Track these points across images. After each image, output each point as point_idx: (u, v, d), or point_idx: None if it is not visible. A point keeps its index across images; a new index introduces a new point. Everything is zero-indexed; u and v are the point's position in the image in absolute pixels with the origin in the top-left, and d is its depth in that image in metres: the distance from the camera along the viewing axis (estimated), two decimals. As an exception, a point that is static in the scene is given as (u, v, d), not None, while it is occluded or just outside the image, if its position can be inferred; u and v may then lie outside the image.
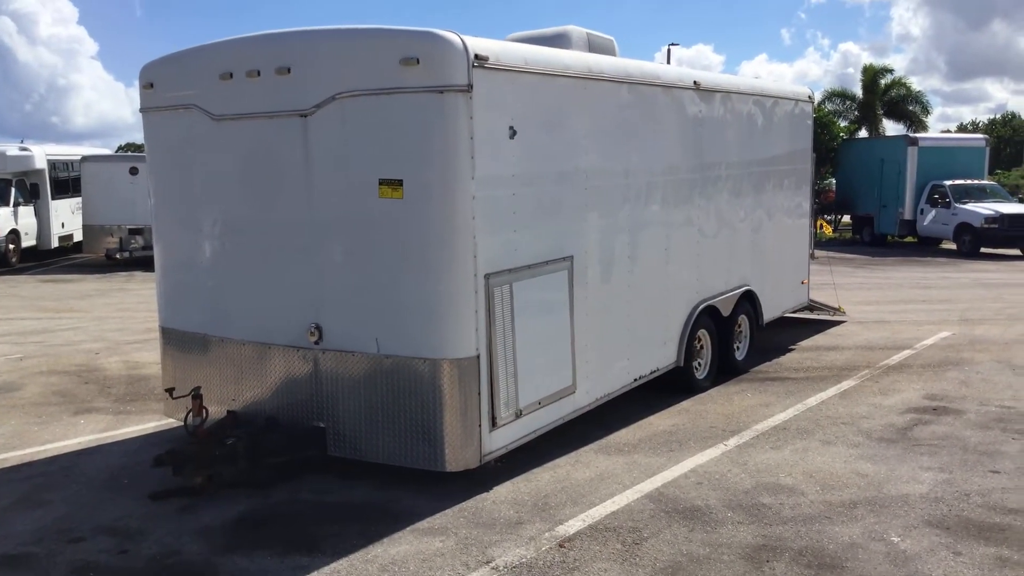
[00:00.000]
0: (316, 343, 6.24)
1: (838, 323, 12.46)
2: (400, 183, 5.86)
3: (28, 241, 22.67)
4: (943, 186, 24.06)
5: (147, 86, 7.01)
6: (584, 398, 7.13)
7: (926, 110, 36.03)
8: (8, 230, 21.51)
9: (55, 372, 9.98)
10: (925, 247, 24.93)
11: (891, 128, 35.87)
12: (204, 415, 6.39)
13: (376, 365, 6.04)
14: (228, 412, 6.65)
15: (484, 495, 6.04)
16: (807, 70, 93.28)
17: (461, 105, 5.75)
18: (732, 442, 7.21)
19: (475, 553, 5.18)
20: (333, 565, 5.05)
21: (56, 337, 12.22)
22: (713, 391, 8.86)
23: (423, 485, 6.14)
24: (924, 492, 6.08)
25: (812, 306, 12.31)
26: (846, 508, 5.82)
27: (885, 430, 7.51)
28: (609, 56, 7.92)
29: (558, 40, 7.64)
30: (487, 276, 6.01)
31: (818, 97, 34.06)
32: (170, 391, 6.74)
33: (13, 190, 22.08)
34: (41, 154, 23.24)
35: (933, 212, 24.22)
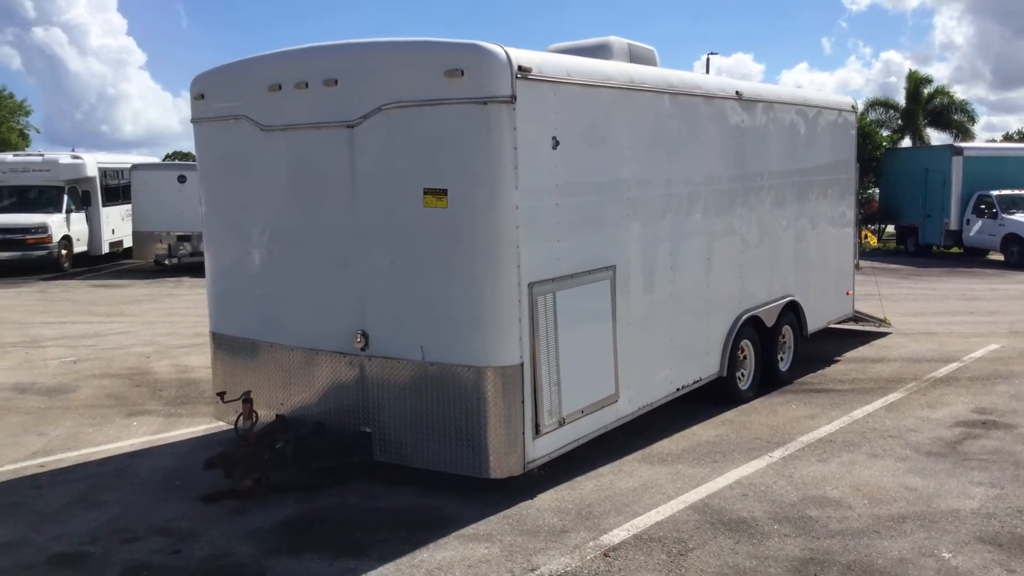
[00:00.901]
0: (362, 350, 6.34)
1: (884, 335, 12.30)
2: (444, 193, 5.93)
3: (80, 247, 23.21)
4: (989, 196, 23.63)
5: (198, 97, 7.17)
6: (627, 407, 7.13)
7: (971, 119, 35.48)
8: (61, 236, 22.05)
9: (108, 375, 10.22)
10: (971, 258, 24.47)
11: (935, 138, 35.36)
12: (254, 419, 6.51)
13: (421, 372, 6.11)
14: (277, 416, 6.77)
15: (528, 502, 6.08)
16: (848, 79, 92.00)
17: (505, 116, 5.82)
18: (777, 454, 7.16)
19: (520, 560, 5.22)
20: (380, 569, 5.12)
21: (108, 341, 12.51)
22: (756, 402, 8.81)
23: (468, 492, 6.19)
24: (975, 507, 5.99)
25: (857, 317, 12.16)
26: (895, 522, 5.75)
27: (933, 444, 7.41)
28: (650, 66, 7.95)
29: (600, 51, 7.68)
30: (531, 285, 6.06)
31: (860, 106, 33.67)
32: (221, 395, 6.87)
33: (66, 197, 22.64)
34: (92, 162, 23.82)
35: (979, 222, 23.80)
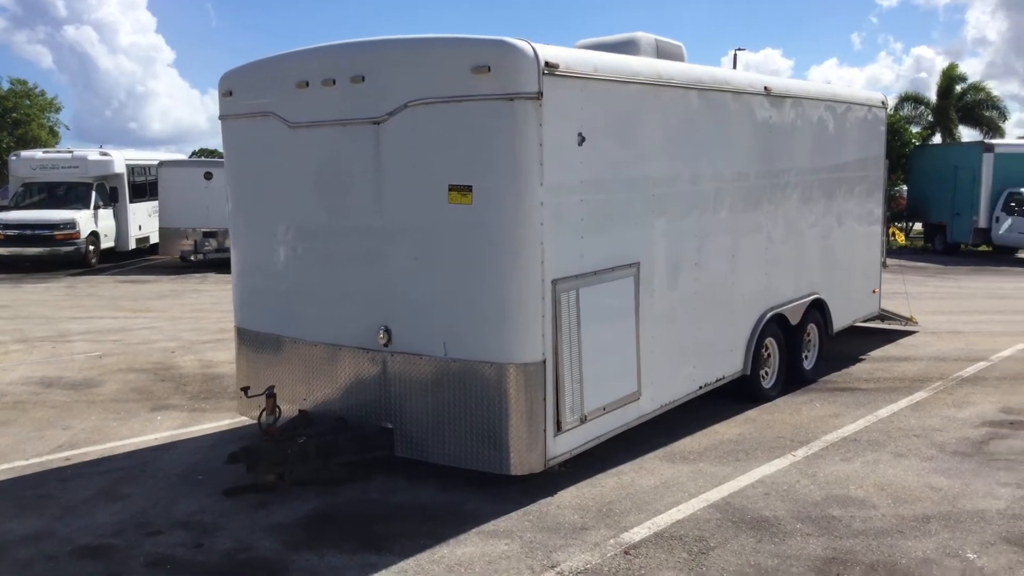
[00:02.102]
0: (385, 345, 6.35)
1: (910, 333, 12.17)
2: (469, 189, 5.93)
3: (107, 243, 23.49)
4: (1020, 193, 23.31)
5: (226, 94, 7.22)
6: (649, 404, 7.10)
7: (1003, 115, 35.00)
8: (88, 232, 22.31)
9: (133, 370, 10.33)
10: (1000, 256, 24.17)
11: (966, 134, 34.92)
12: (277, 414, 6.55)
13: (444, 368, 6.12)
14: (299, 411, 6.81)
15: (549, 499, 6.07)
16: (879, 75, 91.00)
17: (531, 112, 5.80)
18: (800, 453, 7.10)
19: (540, 557, 5.22)
20: (401, 564, 5.13)
21: (133, 336, 12.64)
22: (780, 401, 8.74)
23: (488, 488, 6.19)
24: (1002, 508, 5.91)
25: (883, 316, 12.04)
26: (919, 522, 5.69)
27: (959, 443, 7.32)
28: (678, 62, 7.90)
29: (627, 47, 7.64)
30: (554, 282, 6.05)
31: (891, 102, 33.33)
32: (245, 390, 6.92)
33: (94, 193, 22.93)
34: (120, 159, 24.09)
35: (1009, 220, 23.49)
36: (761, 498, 6.13)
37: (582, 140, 6.22)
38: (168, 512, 5.98)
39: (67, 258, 21.77)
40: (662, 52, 7.89)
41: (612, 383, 6.68)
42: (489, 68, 5.76)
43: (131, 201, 24.20)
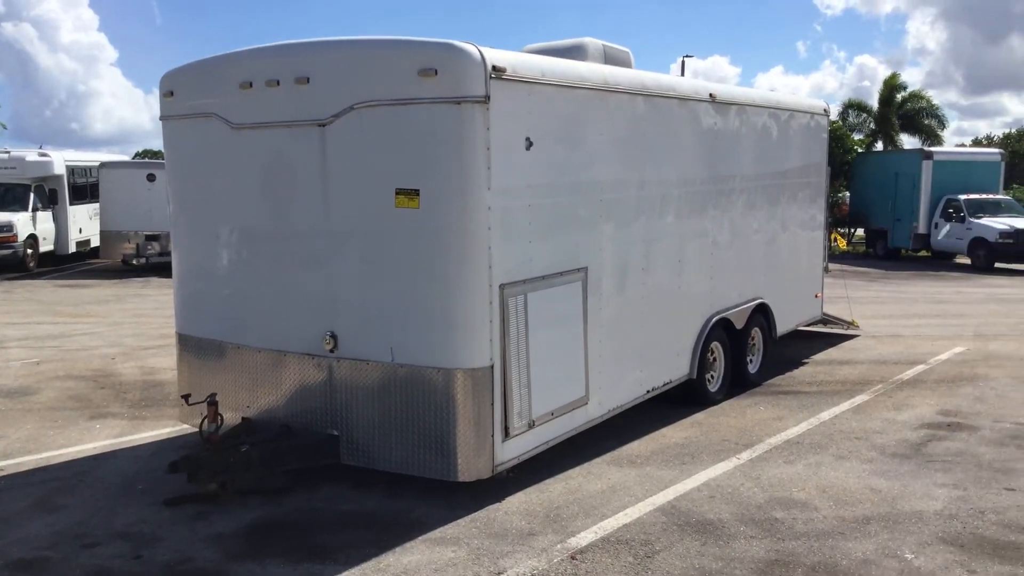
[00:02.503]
0: (331, 351, 6.28)
1: (851, 337, 12.42)
2: (417, 193, 5.89)
3: (46, 246, 22.85)
4: (958, 200, 23.95)
5: (167, 94, 7.08)
6: (597, 409, 7.13)
7: (942, 124, 35.99)
8: (26, 235, 21.68)
9: (71, 377, 10.06)
10: (939, 261, 24.80)
11: (907, 142, 35.82)
12: (219, 422, 6.43)
13: (390, 374, 6.07)
14: (243, 419, 6.69)
15: (496, 505, 6.05)
16: (823, 83, 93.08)
17: (478, 116, 5.79)
18: (745, 456, 7.19)
19: (487, 564, 5.19)
20: (346, 573, 5.06)
21: (72, 342, 12.31)
22: (726, 404, 8.84)
23: (436, 495, 6.15)
24: (938, 509, 6.05)
25: (825, 320, 12.27)
26: (859, 524, 5.79)
27: (899, 446, 7.48)
28: (625, 68, 7.95)
29: (574, 52, 7.67)
30: (502, 286, 6.03)
31: (835, 109, 34.09)
32: (186, 397, 6.78)
33: (32, 195, 22.27)
34: (60, 160, 23.46)
35: (947, 226, 24.12)
36: (706, 501, 6.18)
37: (530, 144, 6.22)
38: (106, 523, 5.82)
39: (4, 262, 21.12)
40: (609, 58, 7.95)
41: (560, 388, 6.69)
42: (436, 71, 5.73)
43: (71, 203, 23.58)
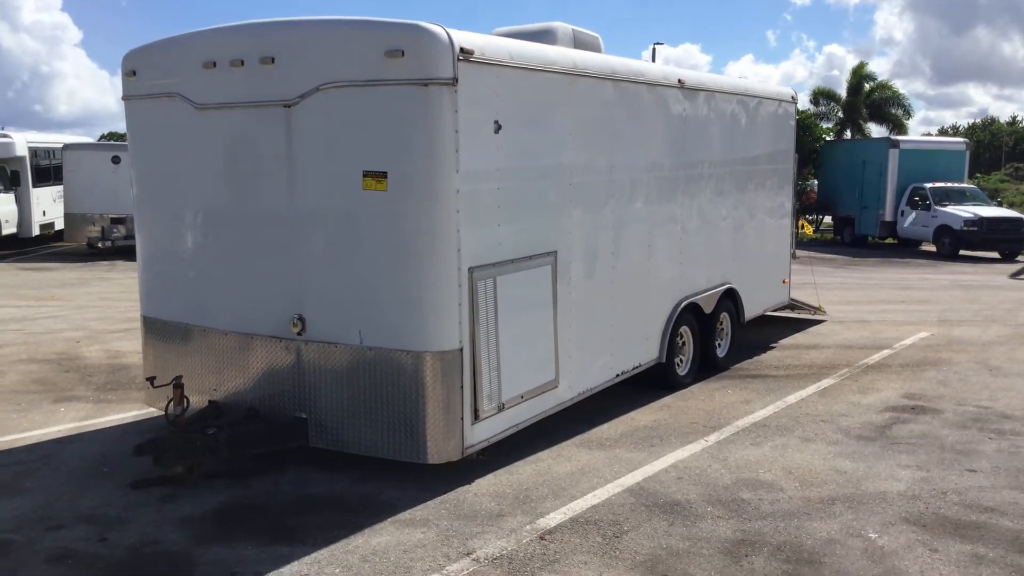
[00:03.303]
0: (299, 334, 6.23)
1: (818, 322, 12.56)
2: (384, 175, 5.85)
3: (8, 229, 22.46)
4: (923, 188, 24.28)
5: (130, 74, 6.96)
6: (567, 392, 7.15)
7: (908, 113, 36.42)
8: (-13, 218, 21.32)
9: (35, 360, 9.90)
10: (905, 249, 25.14)
11: (875, 131, 36.21)
12: (185, 404, 6.36)
13: (359, 357, 6.04)
14: (209, 402, 6.63)
15: (466, 488, 6.06)
16: (793, 71, 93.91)
17: (446, 98, 5.75)
18: (712, 438, 7.26)
19: (456, 544, 5.20)
20: (314, 555, 5.05)
21: (36, 325, 12.12)
22: (695, 388, 8.91)
23: (405, 477, 6.15)
24: (902, 490, 6.15)
25: (793, 305, 12.40)
26: (824, 504, 5.88)
27: (864, 428, 7.59)
28: (595, 53, 7.94)
29: (544, 36, 7.65)
30: (471, 270, 6.02)
31: (804, 98, 34.36)
32: (151, 380, 6.70)
33: (-7, 177, 21.88)
34: (22, 141, 23.03)
35: (913, 214, 24.44)
36: (674, 482, 6.24)
37: (498, 128, 6.20)
38: (71, 506, 5.76)
39: (-35, 245, 20.77)
40: (579, 43, 7.93)
41: (530, 372, 6.70)
42: (403, 52, 5.68)
43: (34, 186, 23.17)
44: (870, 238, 26.42)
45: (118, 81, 7.14)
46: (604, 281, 7.66)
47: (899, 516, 5.69)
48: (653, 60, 35.67)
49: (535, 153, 6.75)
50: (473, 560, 5.01)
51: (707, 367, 9.41)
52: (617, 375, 7.94)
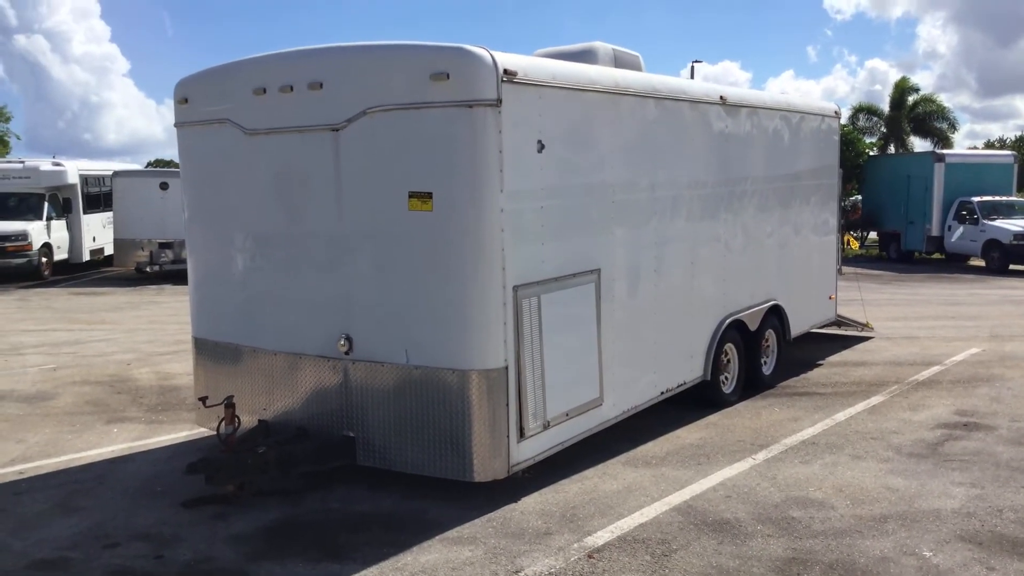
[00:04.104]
0: (346, 353, 6.32)
1: (866, 339, 12.38)
2: (430, 196, 5.93)
3: (60, 254, 23.03)
4: (971, 203, 23.86)
5: (182, 101, 7.15)
6: (611, 410, 7.14)
7: (953, 126, 35.89)
8: (41, 243, 21.86)
9: (88, 382, 10.13)
10: (953, 264, 24.70)
11: (918, 145, 35.72)
12: (236, 424, 6.47)
13: (405, 376, 6.10)
14: (259, 421, 6.74)
15: (512, 506, 6.07)
16: (835, 87, 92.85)
17: (490, 119, 5.82)
18: (761, 456, 7.18)
19: (504, 562, 5.21)
20: (364, 572, 5.09)
21: (88, 348, 12.41)
22: (740, 405, 8.84)
23: (451, 495, 6.17)
24: (956, 507, 6.03)
25: (839, 321, 12.24)
26: (877, 522, 5.78)
27: (915, 445, 7.45)
28: (635, 71, 7.98)
29: (585, 56, 7.71)
30: (515, 288, 6.06)
31: (846, 113, 34.04)
32: (203, 400, 6.83)
33: (46, 204, 22.46)
34: (73, 169, 23.65)
35: (961, 229, 24.01)
36: (722, 501, 6.18)
37: (541, 147, 6.26)
38: (126, 524, 5.87)
39: (19, 270, 21.29)
40: (619, 62, 7.98)
41: (574, 389, 6.70)
42: (448, 75, 5.77)
43: (85, 212, 23.76)
44: (916, 253, 25.99)
45: (164, 110, 7.35)
46: (647, 298, 7.65)
47: (954, 534, 5.58)
48: (692, 78, 35.63)
49: (578, 172, 6.79)
50: (522, 578, 5.02)
51: (753, 385, 9.33)
52: (661, 393, 7.91)
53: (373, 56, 6.23)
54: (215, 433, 6.50)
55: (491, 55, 5.84)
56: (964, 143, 44.11)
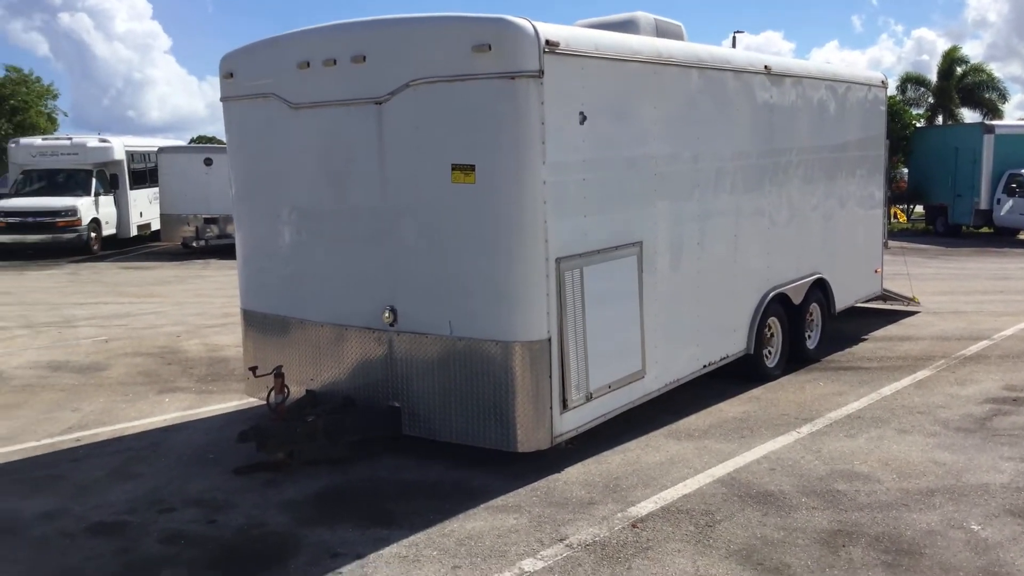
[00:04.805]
0: (391, 325, 6.39)
1: (912, 313, 12.20)
2: (472, 168, 5.95)
3: (108, 230, 23.50)
4: (1021, 175, 23.29)
5: (227, 76, 7.23)
6: (653, 383, 7.15)
7: (1003, 97, 35.00)
8: (90, 219, 22.32)
9: (139, 354, 10.38)
10: (1001, 237, 24.16)
11: (967, 116, 34.90)
12: (285, 393, 6.60)
13: (449, 347, 6.16)
14: (307, 392, 6.86)
15: (556, 476, 6.13)
16: (880, 57, 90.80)
17: (532, 91, 5.82)
18: (805, 430, 7.16)
19: (548, 530, 5.27)
20: (412, 538, 5.19)
21: (138, 321, 12.69)
22: (784, 379, 8.79)
23: (496, 465, 6.25)
24: (1005, 482, 5.97)
25: (885, 295, 12.07)
26: (923, 496, 5.74)
27: (963, 420, 7.37)
28: (678, 41, 7.90)
29: (627, 26, 7.64)
30: (558, 260, 6.08)
31: (893, 84, 33.31)
32: (253, 369, 6.95)
33: (94, 180, 22.92)
34: (120, 145, 24.06)
35: (1010, 202, 23.47)
36: (766, 473, 6.18)
37: (583, 119, 6.24)
38: (180, 490, 6.04)
39: (69, 245, 21.79)
40: (662, 31, 7.89)
41: (617, 361, 6.72)
42: (490, 46, 5.77)
43: (131, 188, 24.19)
44: (964, 227, 25.48)
45: (206, 86, 7.42)
46: (690, 271, 7.62)
47: (1003, 508, 5.53)
48: (734, 48, 35.12)
49: (620, 144, 6.77)
50: (567, 546, 5.08)
51: (797, 359, 9.26)
52: (704, 366, 7.89)
53: (415, 28, 6.24)
54: (264, 403, 6.64)
55: (533, 26, 5.82)
56: (1015, 114, 42.93)
